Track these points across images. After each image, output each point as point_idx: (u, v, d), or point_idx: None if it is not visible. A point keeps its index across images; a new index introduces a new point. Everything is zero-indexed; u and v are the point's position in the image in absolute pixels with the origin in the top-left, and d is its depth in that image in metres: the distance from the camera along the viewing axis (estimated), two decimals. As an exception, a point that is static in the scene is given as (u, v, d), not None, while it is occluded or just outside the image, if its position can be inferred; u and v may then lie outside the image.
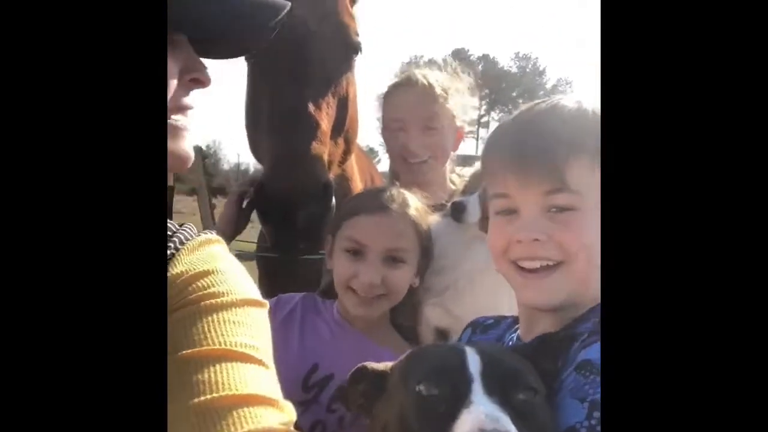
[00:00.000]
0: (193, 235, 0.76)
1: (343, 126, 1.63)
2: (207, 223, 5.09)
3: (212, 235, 0.79)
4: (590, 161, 0.86)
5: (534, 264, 0.89)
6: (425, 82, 1.67)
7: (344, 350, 1.29)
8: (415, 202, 1.39)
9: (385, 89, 1.79)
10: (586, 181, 0.86)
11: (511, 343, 0.99)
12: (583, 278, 0.88)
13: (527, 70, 65.59)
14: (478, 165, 1.48)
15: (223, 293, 0.70)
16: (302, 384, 1.27)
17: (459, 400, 0.72)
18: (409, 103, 1.68)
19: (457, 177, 1.77)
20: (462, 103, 1.74)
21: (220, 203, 5.54)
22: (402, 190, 1.42)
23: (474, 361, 0.77)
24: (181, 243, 0.74)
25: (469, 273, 1.38)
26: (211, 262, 0.73)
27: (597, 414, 0.71)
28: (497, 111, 65.17)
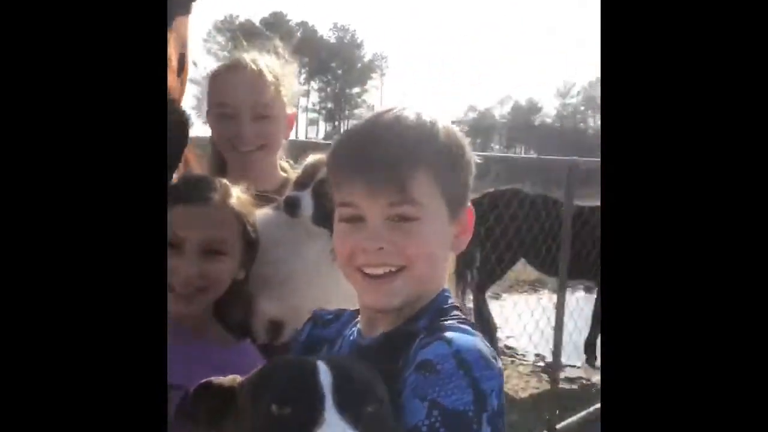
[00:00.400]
0: None
1: (182, 70, 1.47)
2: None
3: None
4: (429, 172, 0.91)
5: (378, 270, 0.92)
6: (255, 67, 1.59)
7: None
8: (236, 192, 1.33)
9: (209, 72, 1.67)
10: (427, 191, 0.91)
11: (352, 338, 1.02)
12: (421, 281, 0.93)
13: (345, 41, 66.35)
14: (311, 157, 1.49)
15: None
16: None
17: (311, 419, 0.72)
18: (240, 89, 1.59)
19: (287, 164, 1.74)
20: (292, 89, 1.70)
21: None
22: (223, 180, 1.35)
23: (326, 376, 0.76)
24: None
25: (304, 265, 1.37)
26: None
27: (436, 412, 0.76)
28: (317, 80, 65.17)
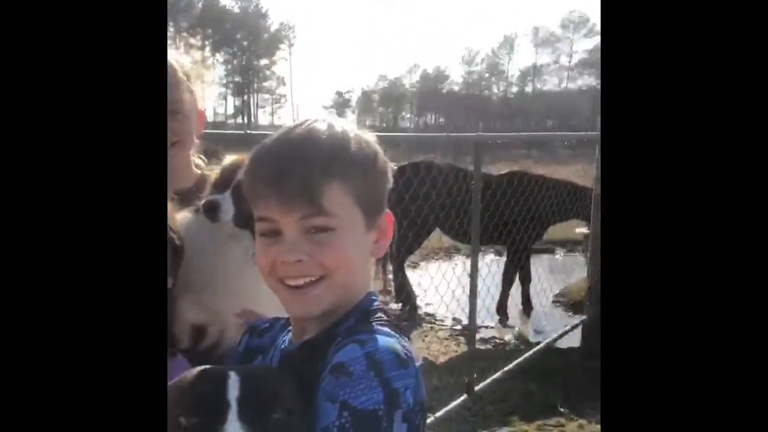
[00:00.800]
0: None
1: None
2: None
3: None
4: (341, 183, 0.93)
5: (298, 281, 0.94)
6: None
7: None
8: None
9: None
10: (340, 201, 0.93)
11: (283, 345, 1.04)
12: (342, 288, 0.96)
13: (249, 11, 63.87)
14: (228, 158, 1.46)
15: None
16: None
17: (214, 427, 0.75)
18: None
19: (200, 160, 1.70)
20: (203, 86, 1.65)
21: None
22: None
23: (234, 387, 0.79)
24: None
25: (226, 269, 1.36)
26: None
27: (346, 413, 0.78)
28: (222, 53, 62.49)
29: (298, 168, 0.91)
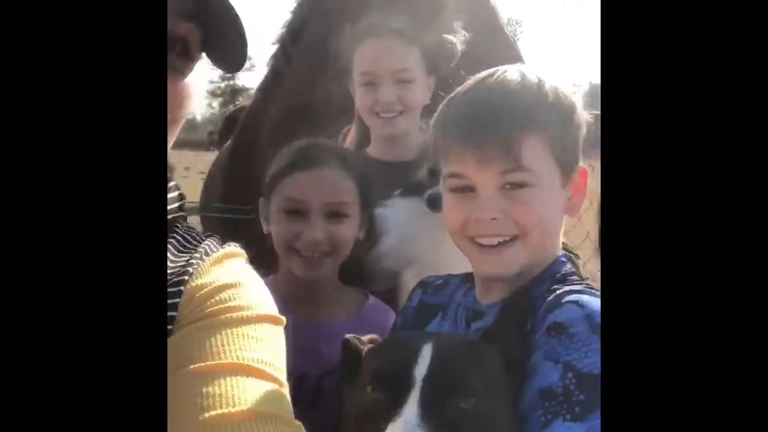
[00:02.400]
0: (218, 248, 0.74)
1: None
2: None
3: (236, 249, 0.76)
4: (540, 136, 0.85)
5: (492, 240, 0.87)
6: (394, 32, 1.50)
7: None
8: (348, 152, 1.29)
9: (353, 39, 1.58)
10: (538, 156, 0.85)
11: (468, 303, 0.96)
12: (537, 249, 0.88)
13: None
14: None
15: (243, 307, 0.67)
16: None
17: (393, 408, 0.68)
18: (380, 56, 1.51)
19: (425, 125, 1.69)
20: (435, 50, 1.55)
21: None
22: (336, 143, 1.31)
23: (423, 364, 0.72)
24: (206, 255, 0.71)
25: (437, 251, 1.32)
26: (234, 275, 0.70)
27: (570, 375, 0.72)
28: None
29: (496, 121, 0.84)
